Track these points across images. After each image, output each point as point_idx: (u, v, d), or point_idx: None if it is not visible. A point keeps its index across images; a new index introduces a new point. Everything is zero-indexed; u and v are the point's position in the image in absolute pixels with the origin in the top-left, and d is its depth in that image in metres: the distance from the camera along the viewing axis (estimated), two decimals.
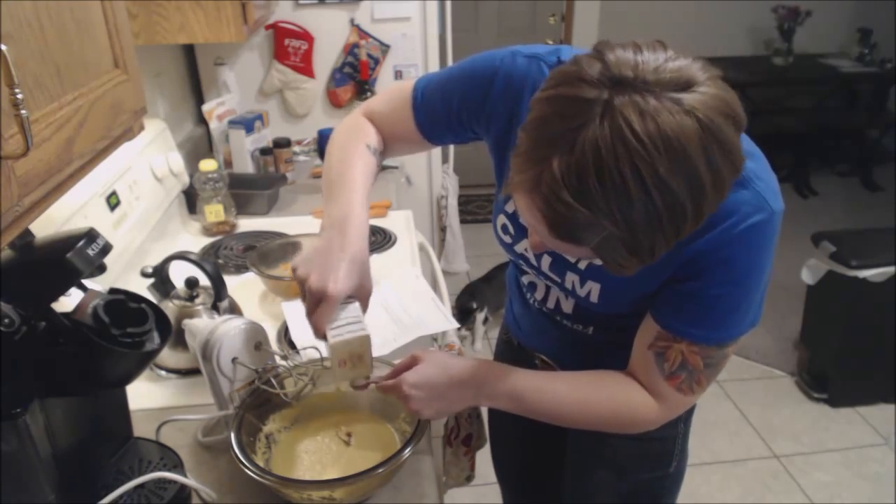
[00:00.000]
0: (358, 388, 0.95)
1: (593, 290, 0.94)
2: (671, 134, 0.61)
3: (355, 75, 2.33)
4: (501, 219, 1.01)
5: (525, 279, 1.12)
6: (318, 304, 0.85)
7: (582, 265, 0.93)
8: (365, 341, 0.88)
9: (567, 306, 1.06)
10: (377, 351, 1.16)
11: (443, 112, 0.98)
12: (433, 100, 0.99)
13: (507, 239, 1.02)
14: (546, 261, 0.98)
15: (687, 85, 0.63)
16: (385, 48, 2.32)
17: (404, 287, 1.39)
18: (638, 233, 0.65)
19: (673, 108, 0.62)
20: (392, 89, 1.05)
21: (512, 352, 1.25)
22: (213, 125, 2.12)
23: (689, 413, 1.11)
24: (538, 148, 0.66)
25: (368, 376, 0.94)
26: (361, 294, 0.90)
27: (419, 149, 1.08)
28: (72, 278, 0.78)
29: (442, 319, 1.29)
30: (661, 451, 1.12)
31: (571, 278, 0.96)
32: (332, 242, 0.88)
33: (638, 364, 0.91)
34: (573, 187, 0.63)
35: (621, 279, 0.88)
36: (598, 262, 0.73)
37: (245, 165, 2.11)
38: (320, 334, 0.87)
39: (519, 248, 1.01)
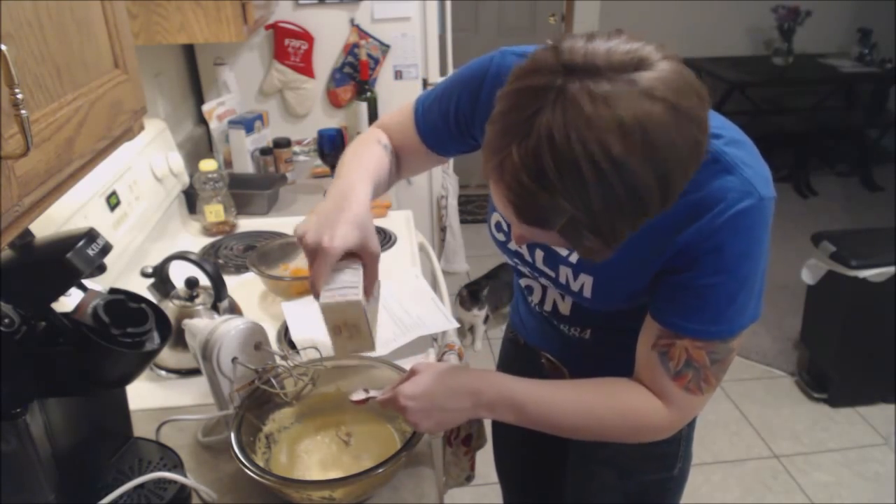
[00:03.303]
0: (357, 402, 0.95)
1: (586, 283, 0.94)
2: (625, 115, 0.62)
3: (355, 75, 2.33)
4: (495, 217, 1.02)
5: (523, 282, 1.12)
6: (314, 261, 0.86)
7: (573, 258, 0.93)
8: (356, 307, 0.85)
9: (564, 308, 1.06)
10: (377, 351, 1.16)
11: (441, 121, 1.00)
12: (432, 111, 1.02)
13: (501, 237, 1.03)
14: (539, 255, 0.98)
15: (640, 64, 0.65)
16: (385, 48, 2.32)
17: (404, 287, 1.39)
18: (597, 214, 0.66)
19: (627, 89, 0.63)
20: (401, 106, 1.09)
21: (518, 351, 1.25)
22: (213, 125, 2.12)
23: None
24: (500, 137, 0.68)
25: (371, 350, 0.92)
26: (366, 256, 0.90)
27: (431, 162, 1.10)
28: (72, 278, 0.77)
29: (442, 319, 1.29)
30: (664, 454, 1.11)
31: (565, 272, 0.96)
32: (331, 204, 0.89)
33: (643, 366, 0.90)
34: (531, 172, 0.65)
35: (613, 272, 0.89)
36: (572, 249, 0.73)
37: (245, 165, 2.11)
38: (316, 293, 0.87)
39: (512, 245, 1.01)
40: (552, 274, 0.99)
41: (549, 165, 0.64)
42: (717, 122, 0.82)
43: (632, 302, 0.92)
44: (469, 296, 2.88)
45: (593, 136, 0.62)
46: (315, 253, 0.86)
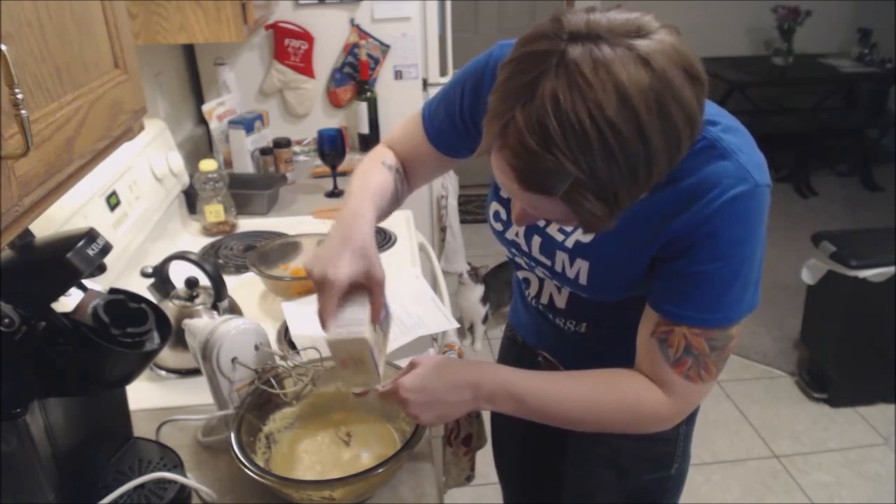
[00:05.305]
0: (359, 394, 0.96)
1: (582, 269, 0.93)
2: (622, 80, 0.64)
3: (355, 75, 2.33)
4: (494, 206, 1.03)
5: (520, 274, 1.12)
6: (321, 294, 0.88)
7: (569, 243, 0.93)
8: (361, 344, 0.88)
9: (560, 301, 1.06)
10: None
11: (448, 121, 1.03)
12: (438, 113, 1.04)
13: (499, 226, 1.03)
14: (536, 243, 0.98)
15: (639, 31, 0.67)
16: (385, 48, 2.32)
17: (404, 287, 1.39)
18: (600, 176, 0.67)
19: (626, 54, 0.65)
20: (407, 118, 1.11)
21: (516, 349, 1.25)
22: (213, 125, 2.12)
23: (692, 415, 1.10)
24: (504, 102, 0.70)
25: (377, 384, 0.93)
26: (371, 282, 0.91)
27: (442, 166, 1.12)
28: (72, 278, 0.78)
29: (442, 319, 1.29)
30: (663, 453, 1.11)
31: (561, 258, 0.96)
32: (336, 237, 0.92)
33: (643, 355, 0.90)
34: (536, 134, 0.66)
35: (608, 257, 0.89)
36: (575, 225, 0.76)
37: (245, 165, 2.11)
38: (324, 326, 0.89)
39: (510, 234, 1.02)
40: (548, 262, 0.98)
41: (554, 127, 0.65)
42: (713, 109, 0.82)
43: (628, 291, 0.91)
44: (472, 271, 2.87)
45: (592, 99, 0.64)
46: (321, 286, 0.88)
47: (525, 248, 1.01)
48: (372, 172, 1.05)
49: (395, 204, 1.07)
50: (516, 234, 1.01)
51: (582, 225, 0.74)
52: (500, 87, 0.71)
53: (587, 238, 0.91)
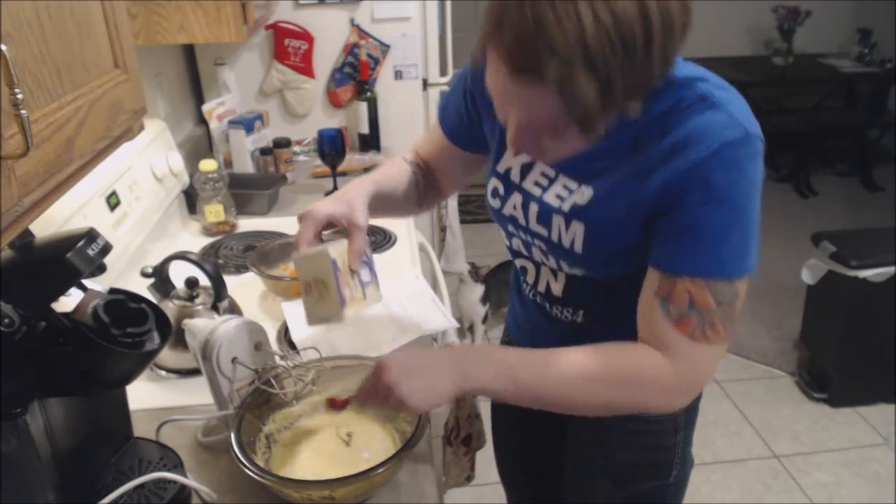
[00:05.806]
0: (336, 405, 0.96)
1: (577, 233, 0.92)
2: None
3: (355, 75, 2.33)
4: (492, 182, 1.04)
5: (518, 263, 1.11)
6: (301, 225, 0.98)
7: (566, 206, 0.92)
8: (324, 261, 0.92)
9: (557, 288, 1.04)
10: (376, 352, 1.17)
11: (456, 114, 1.08)
12: (448, 108, 1.10)
13: (497, 203, 1.03)
14: (533, 211, 0.97)
15: None
16: (385, 48, 2.32)
17: (404, 287, 1.39)
18: (593, 53, 0.68)
19: None
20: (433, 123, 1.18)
21: None
22: (213, 125, 2.12)
23: (690, 422, 1.09)
24: (496, 4, 0.73)
25: (339, 319, 0.94)
26: (351, 228, 0.98)
27: (466, 165, 1.15)
28: (72, 278, 0.78)
29: (441, 319, 1.29)
30: (661, 461, 1.10)
31: (557, 223, 0.94)
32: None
33: (644, 318, 0.87)
34: (529, 17, 0.68)
35: (603, 219, 0.89)
36: (567, 128, 0.77)
37: (245, 165, 2.11)
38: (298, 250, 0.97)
39: (507, 209, 1.01)
40: (545, 232, 0.97)
41: (547, 7, 0.67)
42: (704, 72, 0.85)
43: (623, 262, 0.91)
44: (473, 270, 2.87)
45: None
46: (302, 218, 0.97)
47: (522, 220, 1.00)
48: (387, 164, 1.13)
49: (411, 188, 1.13)
50: (514, 207, 1.00)
51: (575, 120, 0.74)
52: None
53: (584, 200, 0.90)
